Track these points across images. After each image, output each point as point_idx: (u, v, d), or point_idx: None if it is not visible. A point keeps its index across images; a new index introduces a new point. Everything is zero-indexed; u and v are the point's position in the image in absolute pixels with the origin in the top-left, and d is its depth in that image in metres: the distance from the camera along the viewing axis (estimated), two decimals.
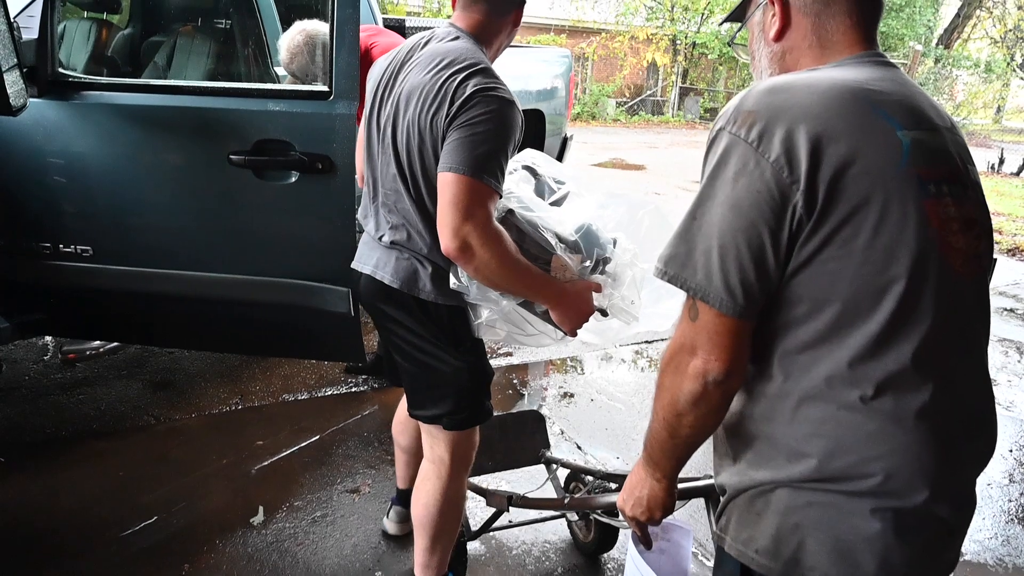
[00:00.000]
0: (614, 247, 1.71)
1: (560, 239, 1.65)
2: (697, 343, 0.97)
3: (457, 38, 1.64)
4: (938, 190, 0.95)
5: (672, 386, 1.02)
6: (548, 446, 2.39)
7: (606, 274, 1.70)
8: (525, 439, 2.33)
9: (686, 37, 20.57)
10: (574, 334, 1.71)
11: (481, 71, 1.55)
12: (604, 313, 1.73)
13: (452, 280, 1.60)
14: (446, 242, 1.49)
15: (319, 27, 2.59)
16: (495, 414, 1.92)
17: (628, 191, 8.85)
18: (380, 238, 1.72)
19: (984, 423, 1.04)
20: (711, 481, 1.61)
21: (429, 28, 1.83)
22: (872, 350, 0.93)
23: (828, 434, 0.95)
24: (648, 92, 22.07)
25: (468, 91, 1.51)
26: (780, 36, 1.08)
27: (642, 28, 20.42)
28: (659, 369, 1.05)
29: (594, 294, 1.68)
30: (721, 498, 1.13)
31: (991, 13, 21.20)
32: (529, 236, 1.62)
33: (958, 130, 1.06)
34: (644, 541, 1.33)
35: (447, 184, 1.49)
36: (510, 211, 1.63)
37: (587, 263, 1.67)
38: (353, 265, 1.83)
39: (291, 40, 2.64)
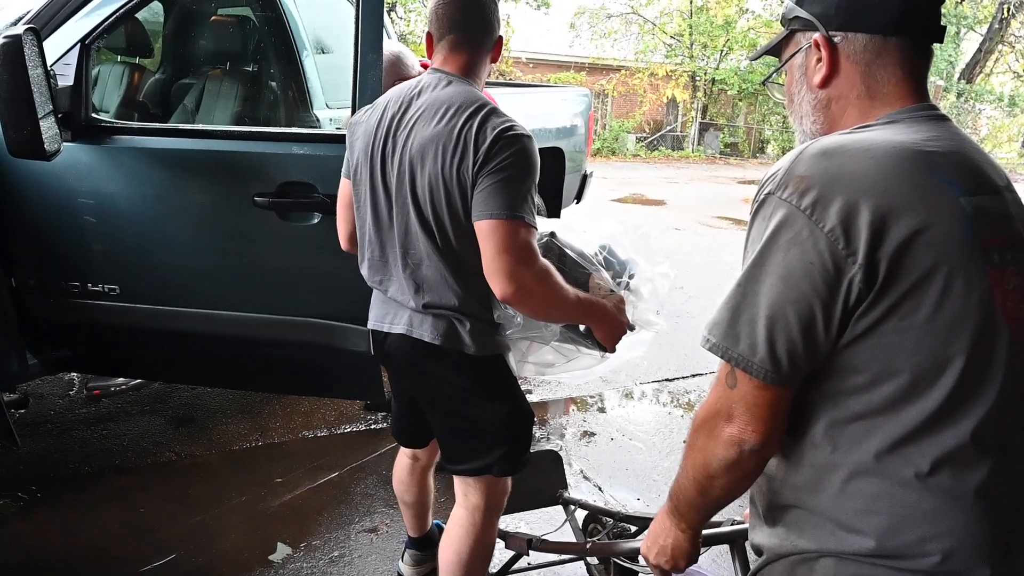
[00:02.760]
0: (635, 264, 1.80)
1: (595, 259, 1.74)
2: (734, 411, 0.95)
3: (451, 83, 1.64)
4: (1002, 259, 0.91)
5: (705, 449, 1.00)
6: (566, 486, 2.37)
7: (630, 289, 1.78)
8: (542, 480, 2.31)
9: (705, 73, 20.71)
10: (615, 349, 1.75)
11: (492, 111, 1.57)
12: (631, 328, 1.79)
13: (496, 312, 1.62)
14: (502, 288, 1.50)
15: (390, 46, 2.59)
16: None
17: (647, 225, 8.84)
18: (408, 301, 1.68)
19: None
20: (736, 528, 1.59)
21: None
22: (929, 426, 0.89)
23: (883, 511, 0.92)
24: (668, 128, 22.17)
25: (489, 136, 1.52)
26: (826, 83, 1.04)
27: (661, 65, 20.59)
28: (692, 428, 1.03)
29: None
30: (753, 554, 1.11)
31: (1013, 48, 21.14)
32: (570, 257, 1.70)
33: (1013, 187, 1.02)
34: None
35: (491, 231, 1.50)
36: (553, 233, 1.70)
37: (620, 280, 1.76)
38: (373, 325, 1.80)
39: None
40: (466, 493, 1.83)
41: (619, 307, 1.72)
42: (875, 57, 1.00)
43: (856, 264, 0.87)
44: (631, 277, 1.78)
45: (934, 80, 16.29)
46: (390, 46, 2.51)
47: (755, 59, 1.32)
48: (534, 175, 1.57)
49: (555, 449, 3.14)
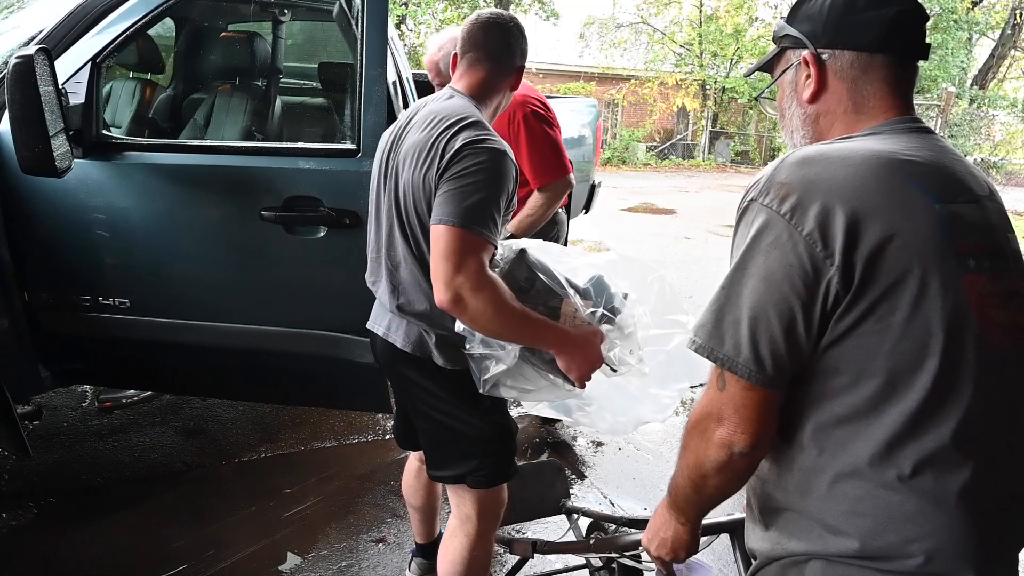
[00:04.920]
0: (624, 300, 1.70)
1: (571, 285, 1.65)
2: (724, 413, 0.97)
3: (452, 97, 1.68)
4: (978, 264, 0.94)
5: (697, 450, 1.02)
6: (568, 496, 2.37)
7: (613, 325, 1.67)
8: (545, 489, 2.32)
9: (715, 82, 20.71)
10: (583, 384, 1.64)
11: (470, 124, 1.57)
12: (613, 368, 1.69)
13: (458, 325, 1.60)
14: (439, 294, 1.50)
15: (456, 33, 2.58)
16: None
17: (657, 234, 8.80)
18: (387, 303, 1.74)
19: None
20: (736, 517, 1.58)
21: None
22: (909, 428, 0.91)
23: (866, 513, 0.94)
24: (678, 136, 22.18)
25: (457, 144, 1.53)
26: (815, 99, 1.08)
27: (671, 74, 20.62)
28: (685, 428, 1.05)
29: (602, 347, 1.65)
30: (752, 559, 1.13)
31: None
32: (540, 278, 1.62)
33: (998, 197, 1.05)
34: None
35: (438, 236, 1.51)
36: (523, 250, 1.64)
37: (595, 310, 1.64)
38: (368, 325, 1.86)
39: (440, 46, 2.63)
40: (459, 504, 1.85)
41: (587, 338, 1.60)
42: (861, 73, 1.04)
43: (833, 266, 0.90)
44: (613, 311, 1.65)
45: (945, 86, 16.17)
46: (456, 32, 2.53)
47: (748, 75, 1.35)
48: (497, 189, 1.54)
49: (557, 460, 3.15)
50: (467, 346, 1.61)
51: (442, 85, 2.46)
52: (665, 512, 1.18)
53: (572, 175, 2.84)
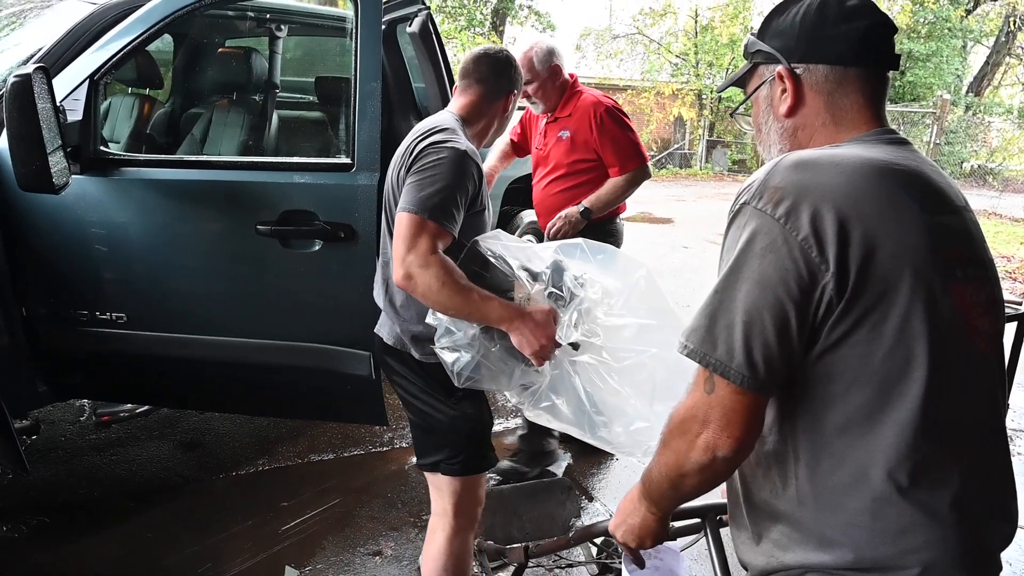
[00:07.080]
0: (578, 281, 1.71)
1: (526, 269, 1.71)
2: (710, 417, 0.96)
3: (440, 114, 1.87)
4: (963, 274, 0.95)
5: (679, 450, 1.01)
6: (579, 515, 2.37)
7: (564, 303, 1.69)
8: (555, 508, 2.33)
9: (712, 91, 20.78)
10: (540, 362, 1.68)
11: (440, 131, 1.75)
12: (575, 346, 1.70)
13: (429, 317, 1.71)
14: (394, 273, 1.66)
15: (544, 39, 2.72)
16: (527, 481, 1.95)
17: (655, 243, 8.80)
18: (378, 297, 1.92)
19: (1007, 503, 1.02)
20: (708, 503, 1.55)
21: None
22: (906, 438, 0.91)
23: (863, 524, 0.94)
24: (675, 145, 22.22)
25: (423, 145, 1.72)
26: (792, 113, 1.08)
27: (668, 84, 20.70)
28: (667, 426, 1.04)
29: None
30: (737, 555, 1.13)
31: (1021, 60, 21.08)
32: (493, 265, 1.71)
33: (971, 208, 1.06)
34: (636, 561, 1.35)
35: (398, 223, 1.66)
36: (475, 241, 1.73)
37: (542, 287, 1.69)
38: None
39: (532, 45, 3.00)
40: (436, 499, 1.94)
41: (535, 315, 1.65)
42: (836, 86, 1.05)
43: (828, 272, 0.90)
44: (559, 288, 1.68)
45: (941, 94, 16.23)
46: (544, 39, 2.68)
47: (721, 91, 1.36)
48: (454, 182, 1.67)
49: (564, 476, 3.15)
50: (435, 339, 1.70)
51: (530, 82, 2.91)
52: (636, 500, 1.18)
53: (649, 164, 3.13)
